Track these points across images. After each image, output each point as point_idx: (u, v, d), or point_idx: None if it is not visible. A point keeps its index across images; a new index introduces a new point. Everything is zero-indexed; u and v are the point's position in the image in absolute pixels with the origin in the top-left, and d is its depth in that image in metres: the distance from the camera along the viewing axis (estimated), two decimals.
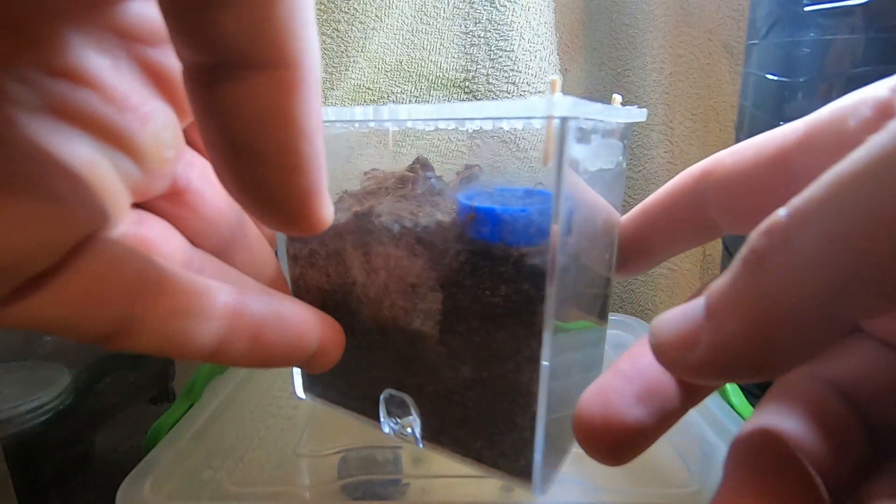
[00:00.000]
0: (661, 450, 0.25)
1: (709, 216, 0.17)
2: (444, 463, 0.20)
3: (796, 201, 0.09)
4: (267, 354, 0.14)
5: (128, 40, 0.12)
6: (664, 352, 0.12)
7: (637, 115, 0.19)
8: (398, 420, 0.21)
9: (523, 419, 0.17)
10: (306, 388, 0.24)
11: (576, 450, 0.24)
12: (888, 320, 0.14)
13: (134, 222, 0.14)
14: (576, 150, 0.15)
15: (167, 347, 0.12)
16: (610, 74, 0.49)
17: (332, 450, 0.25)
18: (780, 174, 0.14)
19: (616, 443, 0.13)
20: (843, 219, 0.09)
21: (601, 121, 0.17)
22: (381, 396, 0.21)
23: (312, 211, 0.11)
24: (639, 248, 0.19)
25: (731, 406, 0.29)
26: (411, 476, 0.23)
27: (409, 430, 0.20)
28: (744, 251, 0.10)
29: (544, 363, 0.16)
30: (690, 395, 0.14)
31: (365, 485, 0.23)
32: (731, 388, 0.29)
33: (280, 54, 0.09)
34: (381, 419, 0.21)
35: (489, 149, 0.22)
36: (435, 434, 0.20)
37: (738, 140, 0.38)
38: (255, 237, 0.17)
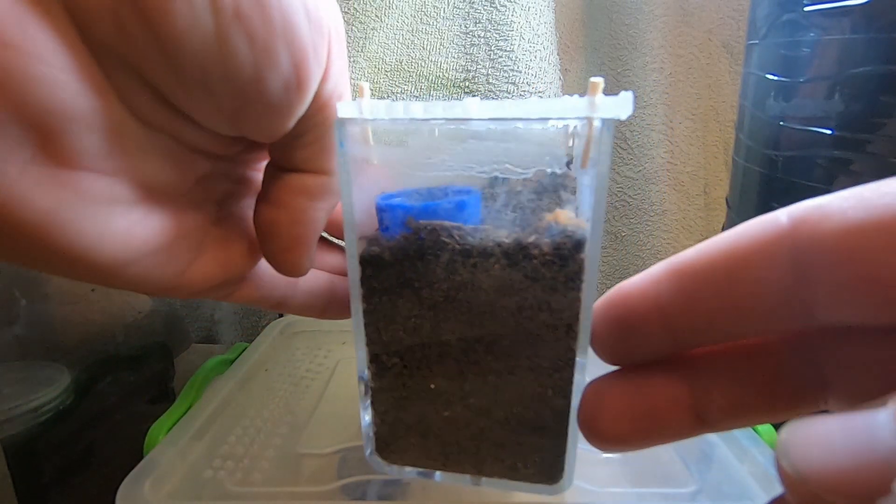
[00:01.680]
0: (661, 450, 0.25)
1: (803, 291, 0.11)
2: None
3: None
4: (317, 313, 0.22)
5: None
6: (814, 494, 0.08)
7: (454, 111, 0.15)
8: None
9: None
10: None
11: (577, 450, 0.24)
12: None
13: None
14: (372, 151, 0.17)
15: (302, 312, 0.21)
16: (610, 74, 0.49)
17: (332, 450, 0.25)
18: None
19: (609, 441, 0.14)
20: None
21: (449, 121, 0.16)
22: None
23: (295, 255, 0.18)
24: (663, 329, 0.13)
25: None
26: (411, 476, 0.23)
27: None
28: None
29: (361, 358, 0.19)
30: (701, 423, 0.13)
31: (365, 485, 0.23)
32: None
33: (324, 168, 0.17)
34: None
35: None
36: None
37: (737, 140, 0.38)
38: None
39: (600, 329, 0.14)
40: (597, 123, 0.14)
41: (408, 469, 0.20)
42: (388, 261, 0.17)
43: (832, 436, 0.08)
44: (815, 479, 0.08)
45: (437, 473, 0.20)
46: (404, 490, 0.23)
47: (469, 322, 0.17)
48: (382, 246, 0.17)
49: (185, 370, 0.45)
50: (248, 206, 0.19)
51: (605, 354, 0.14)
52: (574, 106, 0.15)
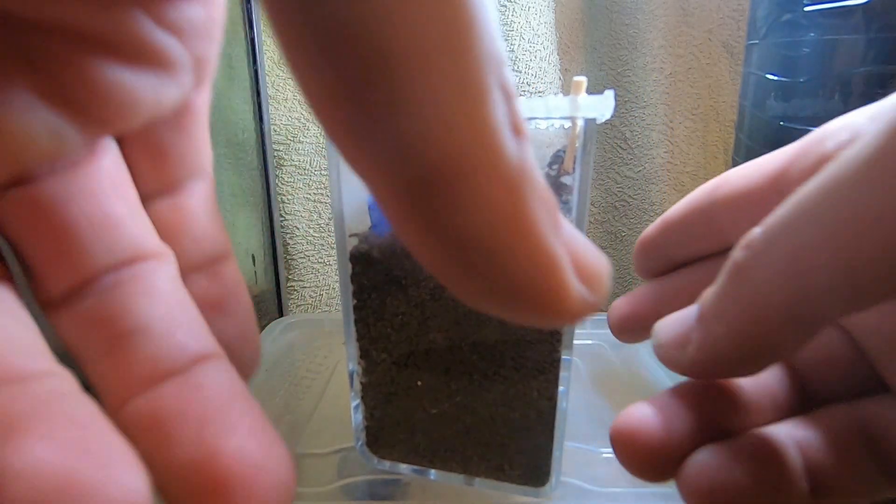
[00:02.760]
0: None
1: (720, 229, 0.18)
2: None
3: (770, 219, 0.11)
4: None
5: None
6: (662, 350, 0.14)
7: None
8: None
9: None
10: None
11: (575, 450, 0.24)
12: None
13: None
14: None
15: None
16: (610, 74, 0.49)
17: (332, 450, 0.25)
18: (776, 191, 0.16)
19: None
20: (803, 234, 0.10)
21: None
22: None
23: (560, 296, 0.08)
24: (658, 256, 0.21)
25: None
26: (411, 476, 0.23)
27: None
28: (728, 263, 0.12)
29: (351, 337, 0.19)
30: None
31: (365, 485, 0.23)
32: None
33: None
34: None
35: None
36: None
37: (737, 140, 0.38)
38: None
39: (652, 241, 0.20)
40: (580, 122, 0.15)
41: (402, 466, 0.20)
42: (377, 258, 0.18)
43: (676, 320, 0.14)
44: (662, 343, 0.14)
45: (432, 472, 0.20)
46: (404, 490, 0.23)
47: (455, 321, 0.17)
48: (371, 243, 0.18)
49: None
50: None
51: (646, 267, 0.21)
52: (557, 105, 0.15)
